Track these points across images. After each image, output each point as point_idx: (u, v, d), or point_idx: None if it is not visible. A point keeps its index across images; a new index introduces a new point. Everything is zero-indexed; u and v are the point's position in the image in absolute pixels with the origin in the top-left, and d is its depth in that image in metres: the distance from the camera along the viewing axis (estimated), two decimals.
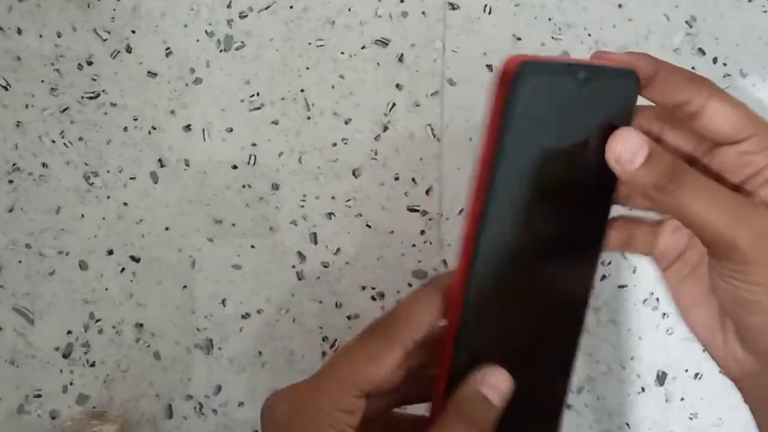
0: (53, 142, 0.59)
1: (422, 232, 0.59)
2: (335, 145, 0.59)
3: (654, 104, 0.30)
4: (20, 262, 0.58)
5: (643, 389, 0.60)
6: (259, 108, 0.59)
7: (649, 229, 0.34)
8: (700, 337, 0.34)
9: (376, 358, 0.28)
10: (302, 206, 0.59)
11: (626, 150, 0.28)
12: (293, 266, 0.59)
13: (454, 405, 0.29)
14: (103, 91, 0.59)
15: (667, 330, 0.60)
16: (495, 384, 0.29)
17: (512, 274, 0.29)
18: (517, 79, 0.26)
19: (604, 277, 0.60)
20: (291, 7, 0.59)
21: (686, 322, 0.35)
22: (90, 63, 0.59)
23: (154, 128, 0.59)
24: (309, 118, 0.59)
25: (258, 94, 0.59)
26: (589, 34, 0.60)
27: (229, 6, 0.59)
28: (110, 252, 0.59)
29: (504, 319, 0.30)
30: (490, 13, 0.60)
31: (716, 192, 0.28)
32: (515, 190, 0.28)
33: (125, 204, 0.59)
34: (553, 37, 0.60)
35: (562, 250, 0.30)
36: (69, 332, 0.59)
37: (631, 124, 0.29)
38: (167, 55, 0.59)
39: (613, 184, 0.31)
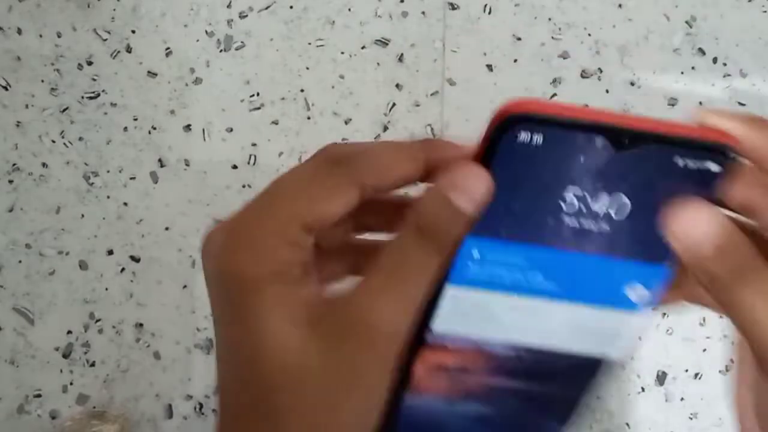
0: (53, 142, 0.59)
1: None
2: None
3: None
4: (20, 262, 0.59)
5: (643, 389, 0.60)
6: (259, 108, 0.59)
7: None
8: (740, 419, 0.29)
9: (328, 195, 0.24)
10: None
11: (697, 228, 0.22)
12: None
13: (413, 214, 0.24)
14: (103, 91, 0.59)
15: (667, 330, 0.60)
16: (466, 186, 0.23)
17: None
18: (497, 134, 0.23)
19: None
20: (291, 7, 0.59)
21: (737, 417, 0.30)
22: (90, 63, 0.59)
23: (154, 128, 0.59)
24: (309, 118, 0.59)
25: (258, 94, 0.59)
26: (589, 34, 0.60)
27: (229, 6, 0.59)
28: (110, 252, 0.59)
29: None
30: (490, 13, 0.60)
31: None
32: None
33: (125, 204, 0.59)
34: (553, 37, 0.60)
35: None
36: (69, 332, 0.59)
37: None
38: (167, 55, 0.59)
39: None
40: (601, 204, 0.24)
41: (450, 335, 0.25)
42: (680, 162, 0.23)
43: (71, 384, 0.59)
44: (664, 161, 0.23)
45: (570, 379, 0.27)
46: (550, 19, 0.60)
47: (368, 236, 0.29)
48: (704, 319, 0.60)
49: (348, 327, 0.23)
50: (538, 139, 0.23)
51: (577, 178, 0.24)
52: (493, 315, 0.25)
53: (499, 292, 0.24)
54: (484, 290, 0.24)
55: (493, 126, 0.23)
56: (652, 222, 0.23)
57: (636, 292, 0.24)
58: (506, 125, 0.22)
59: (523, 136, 0.23)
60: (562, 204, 0.24)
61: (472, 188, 0.23)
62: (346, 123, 0.59)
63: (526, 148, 0.23)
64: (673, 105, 0.60)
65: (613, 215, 0.24)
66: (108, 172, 0.59)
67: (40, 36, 0.58)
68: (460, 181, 0.23)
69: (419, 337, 0.24)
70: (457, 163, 0.23)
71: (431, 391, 0.26)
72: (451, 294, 0.24)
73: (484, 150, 0.23)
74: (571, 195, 0.24)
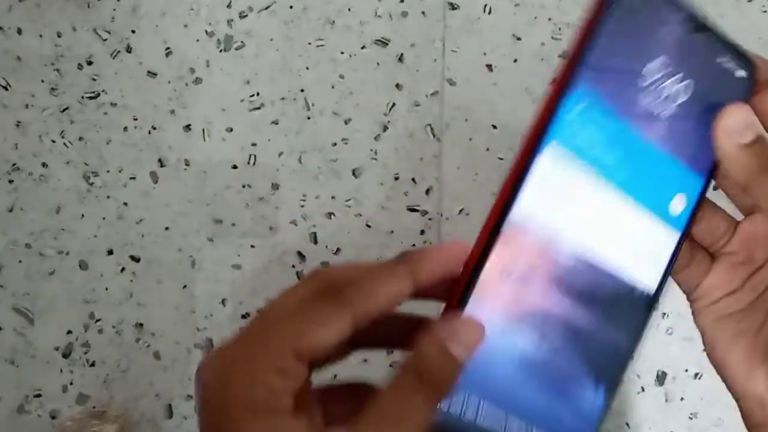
0: (53, 142, 0.59)
1: (422, 232, 0.59)
2: (335, 145, 0.59)
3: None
4: (20, 262, 0.59)
5: (643, 389, 0.60)
6: (259, 108, 0.59)
7: (703, 260, 0.32)
8: (732, 377, 0.33)
9: (321, 324, 0.24)
10: (302, 206, 0.59)
11: (738, 123, 0.27)
12: (293, 266, 0.59)
13: (413, 360, 0.25)
14: (103, 91, 0.59)
15: (667, 330, 0.60)
16: (463, 337, 0.25)
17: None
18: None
19: None
20: (291, 7, 0.59)
21: (716, 358, 0.33)
22: (90, 63, 0.59)
23: (154, 128, 0.59)
24: (309, 118, 0.59)
25: (258, 94, 0.59)
26: None
27: (229, 6, 0.59)
28: (110, 252, 0.59)
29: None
30: (490, 13, 0.60)
31: None
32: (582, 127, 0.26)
33: (125, 204, 0.59)
34: (553, 37, 0.60)
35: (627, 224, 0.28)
36: (69, 332, 0.59)
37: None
38: (167, 55, 0.59)
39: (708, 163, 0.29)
40: (672, 83, 0.27)
41: (525, 225, 0.26)
42: (727, 64, 0.28)
43: (71, 384, 0.59)
44: (718, 59, 0.29)
45: (617, 320, 0.29)
46: (550, 19, 0.60)
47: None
48: None
49: None
50: (642, 7, 0.26)
51: (661, 50, 0.27)
52: (571, 195, 0.27)
53: (583, 164, 0.26)
54: (572, 157, 0.26)
55: None
56: (702, 119, 0.27)
57: (679, 202, 0.28)
58: None
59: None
60: (646, 75, 0.27)
61: (469, 339, 0.25)
62: (346, 123, 0.59)
63: (630, 17, 0.26)
64: None
65: (678, 98, 0.27)
66: (108, 172, 0.59)
67: (40, 36, 0.59)
68: (457, 332, 0.25)
69: (497, 226, 0.26)
70: (456, 317, 0.25)
71: (492, 303, 0.26)
72: (545, 160, 0.26)
73: (594, 14, 0.26)
74: (653, 66, 0.27)
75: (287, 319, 0.25)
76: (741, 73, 0.29)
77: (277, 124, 0.59)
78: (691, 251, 0.31)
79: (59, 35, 0.59)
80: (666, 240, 0.29)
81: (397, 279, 0.26)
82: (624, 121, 0.27)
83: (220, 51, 0.59)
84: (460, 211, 0.60)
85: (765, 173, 0.27)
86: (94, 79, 0.59)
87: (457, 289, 0.26)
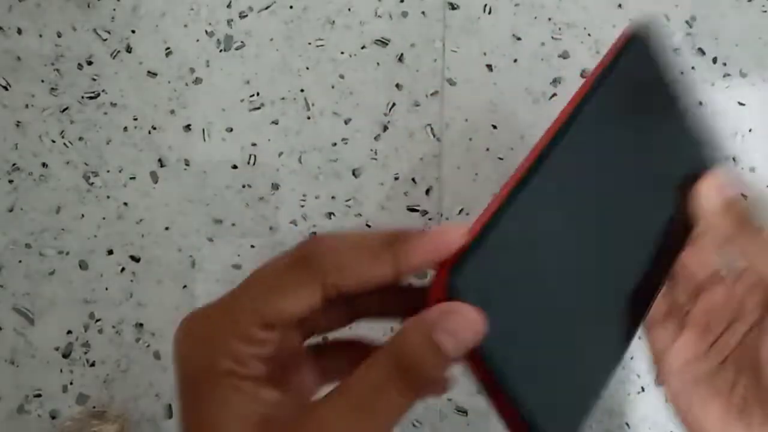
0: (53, 142, 0.59)
1: None
2: (335, 145, 0.59)
3: None
4: (20, 262, 0.59)
5: (643, 389, 0.60)
6: (259, 108, 0.59)
7: (671, 326, 0.34)
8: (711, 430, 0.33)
9: (288, 293, 0.23)
10: (302, 206, 0.59)
11: (717, 184, 0.31)
12: None
13: (393, 347, 0.22)
14: (103, 91, 0.59)
15: None
16: (455, 329, 0.22)
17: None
18: (634, 40, 0.29)
19: None
20: (291, 7, 0.59)
21: (690, 420, 0.34)
22: (90, 63, 0.59)
23: (154, 128, 0.59)
24: (309, 118, 0.59)
25: (258, 94, 0.59)
26: (589, 34, 0.60)
27: (229, 6, 0.59)
28: (110, 252, 0.59)
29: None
30: (490, 13, 0.60)
31: None
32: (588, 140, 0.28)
33: (125, 204, 0.59)
34: (553, 37, 0.60)
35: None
36: (69, 332, 0.59)
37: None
38: (167, 55, 0.59)
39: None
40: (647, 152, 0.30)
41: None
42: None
43: (71, 384, 0.59)
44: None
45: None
46: (550, 19, 0.60)
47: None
48: None
49: None
50: (652, 55, 0.31)
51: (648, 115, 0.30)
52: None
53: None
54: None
55: (626, 39, 0.30)
56: (667, 190, 0.31)
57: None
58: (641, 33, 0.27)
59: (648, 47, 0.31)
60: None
61: (464, 332, 0.22)
62: (346, 123, 0.59)
63: (642, 60, 0.31)
64: None
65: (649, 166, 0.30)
66: (108, 172, 0.59)
67: (40, 36, 0.59)
68: (448, 323, 0.22)
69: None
70: (448, 304, 0.22)
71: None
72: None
73: (614, 53, 0.31)
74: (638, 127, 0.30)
75: (256, 287, 0.24)
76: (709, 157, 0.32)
77: (277, 124, 0.59)
78: (663, 318, 0.33)
79: (59, 35, 0.59)
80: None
81: (378, 265, 0.24)
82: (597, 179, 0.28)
83: (220, 51, 0.59)
84: (460, 211, 0.60)
85: (744, 226, 0.30)
86: (94, 79, 0.59)
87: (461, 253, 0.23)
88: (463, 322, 0.22)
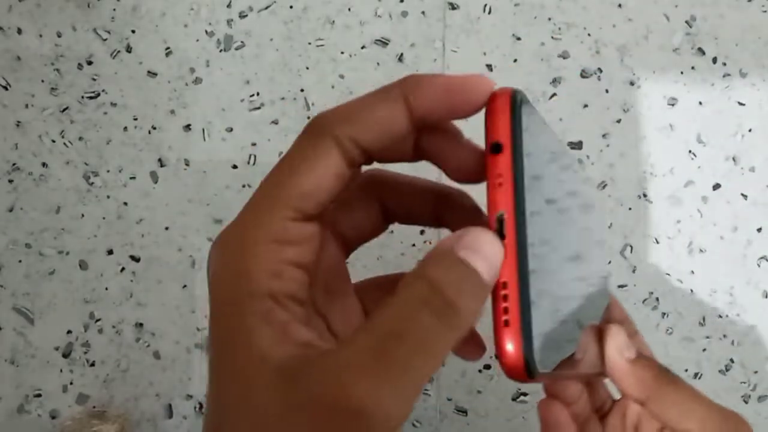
0: (53, 141, 0.59)
1: (422, 232, 0.59)
2: None
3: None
4: (20, 261, 0.59)
5: None
6: (259, 108, 0.59)
7: (595, 427, 0.32)
8: None
9: (310, 167, 0.21)
10: None
11: (623, 341, 0.28)
12: None
13: (422, 269, 0.19)
14: (103, 90, 0.59)
15: (667, 330, 0.60)
16: (488, 255, 0.20)
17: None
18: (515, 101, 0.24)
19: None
20: (291, 7, 0.59)
21: None
22: (90, 63, 0.59)
23: (154, 128, 0.59)
24: (309, 117, 0.59)
25: (258, 94, 0.59)
26: (589, 34, 0.60)
27: (229, 6, 0.59)
28: (110, 252, 0.59)
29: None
30: (490, 12, 0.60)
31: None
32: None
33: (125, 204, 0.59)
34: (552, 37, 0.60)
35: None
36: (69, 332, 0.59)
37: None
38: (167, 54, 0.59)
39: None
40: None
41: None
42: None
43: (71, 384, 0.59)
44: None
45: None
46: (550, 19, 0.60)
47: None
48: (704, 319, 0.60)
49: (330, 407, 0.17)
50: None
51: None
52: None
53: None
54: None
55: (506, 101, 0.25)
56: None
57: None
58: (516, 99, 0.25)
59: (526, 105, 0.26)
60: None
61: (494, 257, 0.20)
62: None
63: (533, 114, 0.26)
64: (672, 104, 0.60)
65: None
66: (108, 171, 0.59)
67: (40, 36, 0.59)
68: (481, 247, 0.20)
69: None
70: (474, 228, 0.20)
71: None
72: None
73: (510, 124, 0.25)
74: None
75: (276, 177, 0.22)
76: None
77: (277, 124, 0.59)
78: (584, 423, 0.31)
79: (59, 35, 0.59)
80: None
81: (388, 106, 0.21)
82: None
83: (220, 51, 0.59)
84: None
85: (660, 382, 0.27)
86: (94, 79, 0.59)
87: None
88: (491, 245, 0.20)
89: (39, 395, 0.58)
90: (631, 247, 0.59)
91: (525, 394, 0.57)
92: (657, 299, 0.60)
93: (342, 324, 0.23)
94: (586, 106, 0.59)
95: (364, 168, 0.24)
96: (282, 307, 0.20)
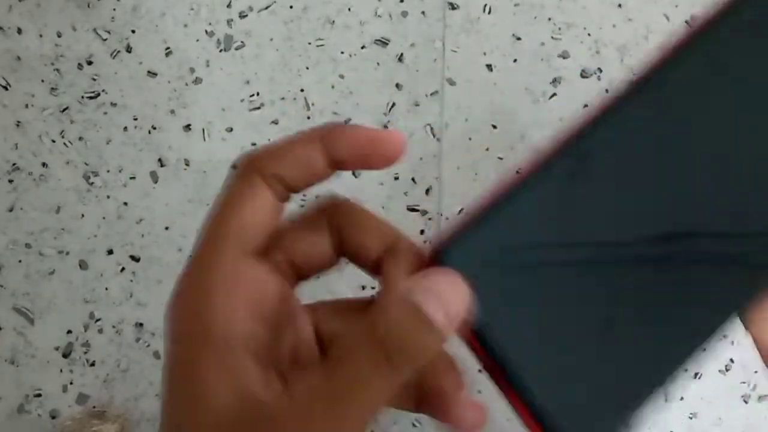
0: (53, 141, 0.59)
1: (422, 232, 0.59)
2: None
3: None
4: (20, 261, 0.59)
5: None
6: (259, 108, 0.59)
7: None
8: None
9: (245, 204, 0.22)
10: (302, 206, 0.59)
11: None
12: None
13: (371, 320, 0.19)
14: (103, 91, 0.59)
15: None
16: (447, 298, 0.18)
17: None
18: None
19: None
20: (291, 7, 0.59)
21: None
22: (90, 63, 0.59)
23: (154, 128, 0.59)
24: (309, 117, 0.59)
25: (258, 94, 0.59)
26: (589, 34, 0.60)
27: (229, 6, 0.59)
28: (110, 252, 0.59)
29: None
30: (490, 12, 0.60)
31: None
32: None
33: (125, 204, 0.59)
34: (552, 37, 0.60)
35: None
36: (69, 332, 0.59)
37: None
38: (167, 55, 0.59)
39: None
40: None
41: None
42: None
43: (71, 384, 0.59)
44: None
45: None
46: (549, 19, 0.60)
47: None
48: None
49: None
50: None
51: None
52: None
53: None
54: None
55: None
56: None
57: None
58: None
59: None
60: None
61: (456, 303, 0.18)
62: (345, 123, 0.59)
63: None
64: None
65: None
66: (108, 171, 0.59)
67: (40, 36, 0.59)
68: (439, 291, 0.18)
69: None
70: (434, 269, 0.19)
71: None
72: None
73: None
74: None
75: (220, 216, 0.22)
76: None
77: (277, 124, 0.59)
78: None
79: (59, 35, 0.59)
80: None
81: (306, 143, 0.22)
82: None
83: (220, 51, 0.59)
84: (460, 210, 0.60)
85: None
86: (94, 79, 0.59)
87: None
88: (452, 288, 0.19)
89: (39, 395, 0.58)
90: None
91: None
92: None
93: (291, 354, 0.23)
94: (586, 106, 0.59)
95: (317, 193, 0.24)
96: (234, 352, 0.20)
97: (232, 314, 0.21)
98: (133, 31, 0.59)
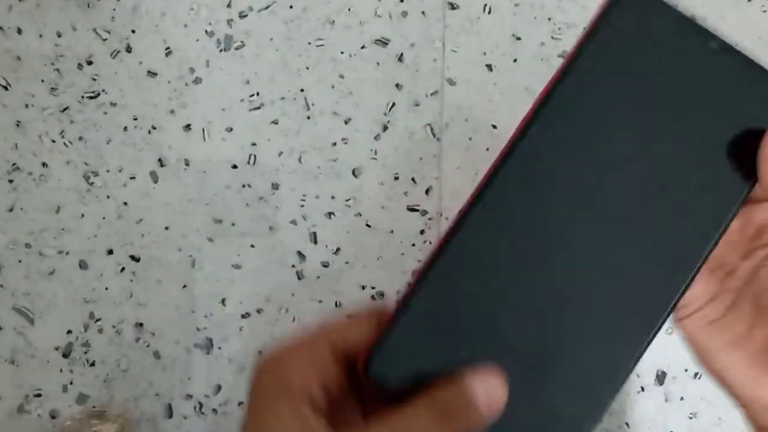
0: (53, 141, 0.59)
1: (422, 232, 0.59)
2: (335, 144, 0.59)
3: None
4: (20, 261, 0.59)
5: (642, 388, 0.60)
6: (259, 108, 0.59)
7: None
8: (735, 385, 0.31)
9: (351, 325, 0.26)
10: (302, 206, 0.59)
11: None
12: (293, 266, 0.59)
13: (431, 400, 0.23)
14: (103, 90, 0.59)
15: (667, 330, 0.60)
16: (495, 395, 0.24)
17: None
18: (613, 7, 0.24)
19: None
20: (291, 7, 0.59)
21: (713, 367, 0.31)
22: (90, 63, 0.59)
23: (154, 128, 0.59)
24: (309, 117, 0.59)
25: (258, 94, 0.59)
26: None
27: (229, 6, 0.59)
28: (110, 252, 0.59)
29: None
30: (489, 12, 0.60)
31: None
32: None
33: (125, 204, 0.59)
34: (552, 37, 0.60)
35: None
36: (69, 332, 0.59)
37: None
38: (167, 54, 0.59)
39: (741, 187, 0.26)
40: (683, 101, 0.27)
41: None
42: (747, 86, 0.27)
43: (71, 384, 0.59)
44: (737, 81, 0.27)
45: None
46: (550, 19, 0.60)
47: None
48: None
49: None
50: (647, 22, 0.26)
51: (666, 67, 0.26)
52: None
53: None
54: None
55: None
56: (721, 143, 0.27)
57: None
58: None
59: (634, 13, 0.25)
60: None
61: (498, 398, 0.24)
62: (345, 123, 0.59)
63: (633, 28, 0.25)
64: None
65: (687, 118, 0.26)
66: (108, 171, 0.59)
67: (40, 36, 0.59)
68: (490, 387, 0.23)
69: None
70: (485, 369, 0.24)
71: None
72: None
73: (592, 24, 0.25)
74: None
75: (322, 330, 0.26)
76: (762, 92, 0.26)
77: (277, 123, 0.59)
78: None
79: (59, 35, 0.59)
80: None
81: (364, 321, 0.26)
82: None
83: (220, 51, 0.59)
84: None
85: None
86: (94, 79, 0.59)
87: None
88: (499, 387, 0.24)
89: (39, 395, 0.59)
90: None
91: None
92: None
93: (344, 419, 0.27)
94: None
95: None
96: (312, 410, 0.24)
97: (307, 380, 0.25)
98: (133, 31, 0.59)
